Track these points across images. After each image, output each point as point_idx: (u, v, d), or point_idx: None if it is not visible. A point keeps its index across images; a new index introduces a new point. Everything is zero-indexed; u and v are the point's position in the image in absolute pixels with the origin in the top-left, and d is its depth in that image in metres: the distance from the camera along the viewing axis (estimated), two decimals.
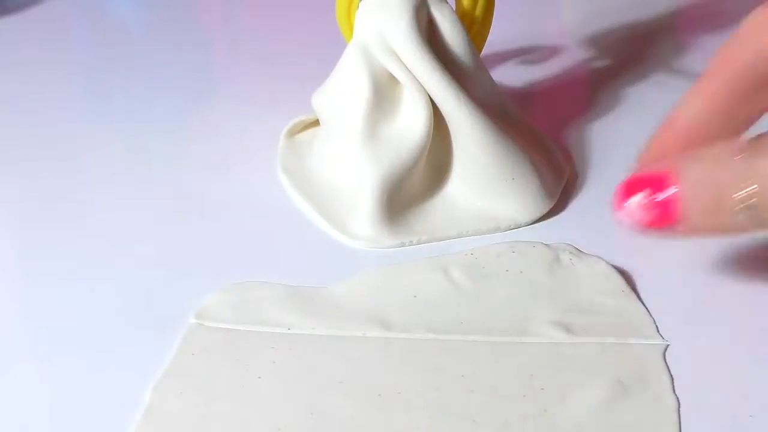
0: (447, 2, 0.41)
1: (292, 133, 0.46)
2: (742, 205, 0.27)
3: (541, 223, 0.40)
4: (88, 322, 0.35)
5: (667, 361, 0.32)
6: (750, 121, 0.30)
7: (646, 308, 0.34)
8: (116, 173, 0.45)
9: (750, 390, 0.31)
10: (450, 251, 0.38)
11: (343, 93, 0.41)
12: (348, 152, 0.40)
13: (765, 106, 0.30)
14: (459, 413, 0.30)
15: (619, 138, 0.46)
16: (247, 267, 0.38)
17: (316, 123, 0.46)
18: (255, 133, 0.47)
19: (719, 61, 0.30)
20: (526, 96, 0.51)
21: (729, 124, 0.30)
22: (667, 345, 0.33)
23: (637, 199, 0.29)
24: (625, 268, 0.37)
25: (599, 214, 0.41)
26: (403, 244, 0.39)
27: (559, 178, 0.42)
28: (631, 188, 0.30)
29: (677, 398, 0.31)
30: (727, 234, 0.28)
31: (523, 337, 0.33)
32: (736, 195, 0.27)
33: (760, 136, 0.28)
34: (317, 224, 0.40)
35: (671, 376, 0.32)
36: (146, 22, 0.66)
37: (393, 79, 0.40)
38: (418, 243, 0.39)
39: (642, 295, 0.36)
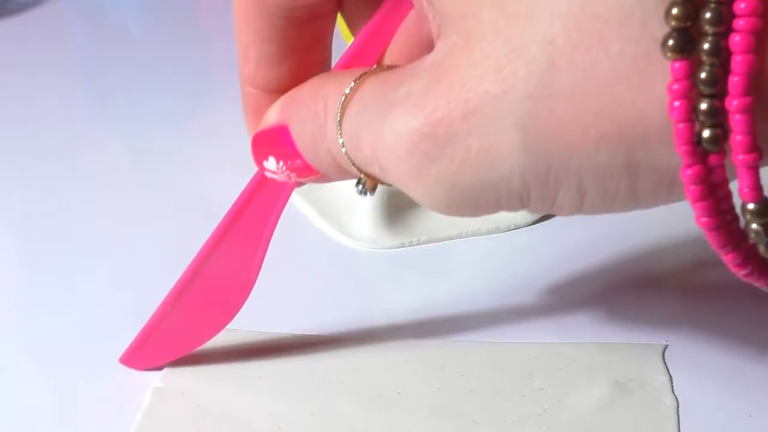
0: None
1: None
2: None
3: (540, 224, 0.40)
4: (88, 322, 0.35)
5: (667, 361, 0.32)
6: (313, 45, 0.28)
7: None
8: (116, 173, 0.45)
9: (749, 390, 0.31)
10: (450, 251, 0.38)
11: None
12: None
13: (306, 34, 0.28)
14: (459, 413, 0.30)
15: None
16: None
17: None
18: None
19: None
20: None
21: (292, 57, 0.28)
22: (667, 345, 0.33)
23: (271, 166, 0.27)
24: (623, 267, 0.37)
25: (598, 216, 0.41)
26: (403, 245, 0.39)
27: None
28: (259, 150, 0.28)
29: (676, 398, 0.31)
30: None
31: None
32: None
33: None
34: (317, 225, 0.40)
35: (670, 376, 0.32)
36: (147, 23, 0.66)
37: None
38: (418, 243, 0.39)
39: (640, 294, 0.36)
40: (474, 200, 0.23)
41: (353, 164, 0.25)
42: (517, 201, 0.23)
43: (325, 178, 0.27)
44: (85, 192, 0.43)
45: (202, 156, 0.46)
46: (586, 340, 0.33)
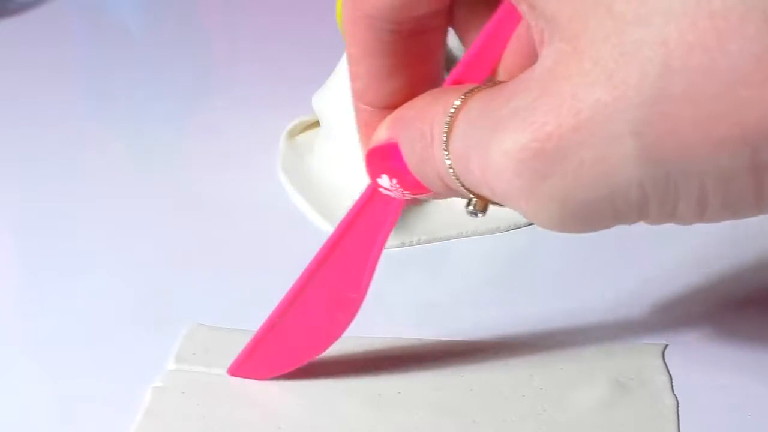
0: None
1: (293, 133, 0.46)
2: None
3: None
4: (88, 322, 0.35)
5: (666, 360, 0.32)
6: (423, 60, 0.28)
7: None
8: (116, 173, 0.45)
9: (749, 390, 0.31)
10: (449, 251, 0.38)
11: (343, 94, 0.41)
12: (348, 153, 0.40)
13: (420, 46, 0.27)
14: (459, 413, 0.30)
15: None
16: (247, 267, 0.38)
17: (316, 124, 0.46)
18: (255, 133, 0.47)
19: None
20: None
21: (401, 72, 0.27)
22: (666, 345, 0.33)
23: (385, 183, 0.27)
24: (623, 267, 0.37)
25: None
26: (403, 244, 0.39)
27: None
28: (373, 167, 0.28)
29: (676, 398, 0.31)
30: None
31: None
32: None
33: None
34: (317, 224, 0.40)
35: (670, 375, 0.32)
36: (147, 23, 0.66)
37: None
38: (418, 243, 0.39)
39: (640, 294, 0.36)
40: (589, 215, 0.22)
41: (462, 186, 0.24)
42: (635, 213, 0.22)
43: (437, 195, 0.27)
44: (85, 192, 0.43)
45: (202, 156, 0.46)
46: (586, 340, 0.33)
